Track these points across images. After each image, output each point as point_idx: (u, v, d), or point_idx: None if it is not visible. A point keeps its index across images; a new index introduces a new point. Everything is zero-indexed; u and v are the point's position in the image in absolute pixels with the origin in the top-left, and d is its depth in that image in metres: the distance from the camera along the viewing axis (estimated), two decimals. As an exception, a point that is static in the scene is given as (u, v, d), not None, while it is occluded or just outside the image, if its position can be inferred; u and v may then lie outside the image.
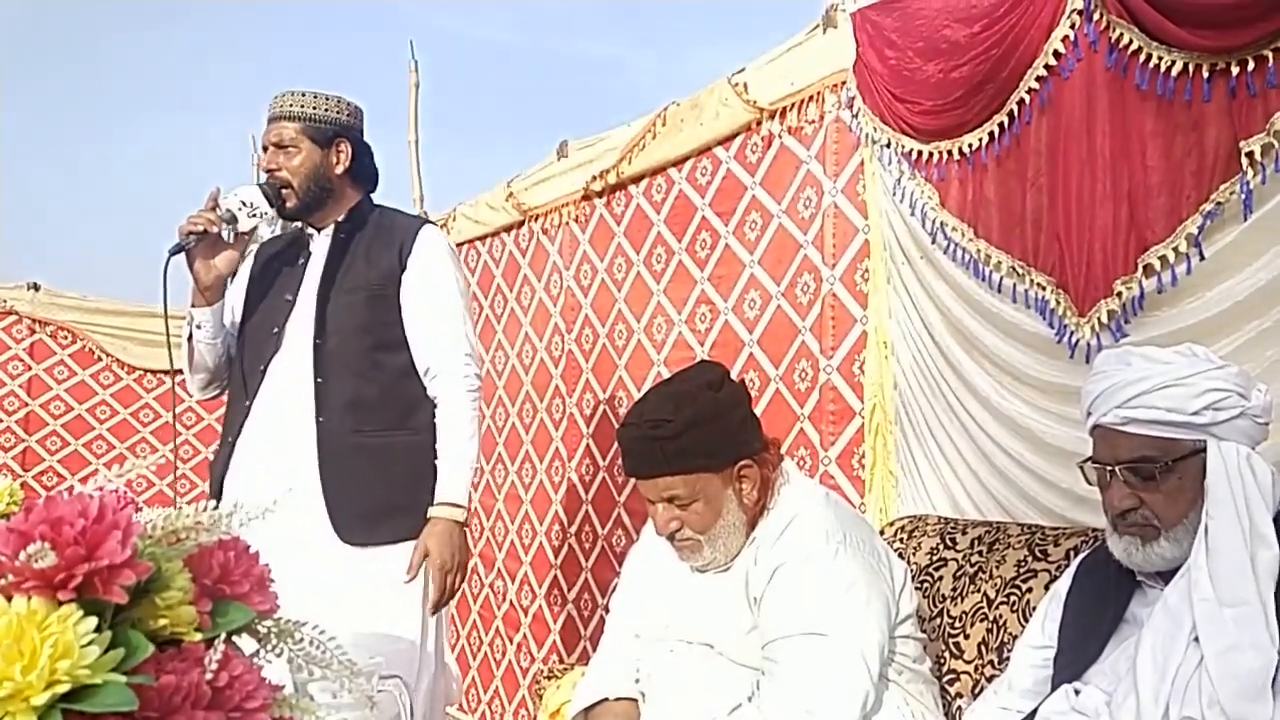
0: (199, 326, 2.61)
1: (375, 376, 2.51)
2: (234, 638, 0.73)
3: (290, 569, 1.18)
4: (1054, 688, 1.63)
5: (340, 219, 2.60)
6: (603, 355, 3.81)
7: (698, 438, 1.95)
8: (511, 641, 4.27)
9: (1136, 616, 1.61)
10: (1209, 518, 1.51)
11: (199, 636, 0.69)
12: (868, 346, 2.81)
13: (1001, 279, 2.43)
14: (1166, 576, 1.58)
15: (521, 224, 4.25)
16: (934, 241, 2.60)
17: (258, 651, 0.78)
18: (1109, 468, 1.59)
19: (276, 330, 2.54)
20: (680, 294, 3.46)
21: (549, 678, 2.27)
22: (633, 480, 3.20)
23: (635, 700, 2.06)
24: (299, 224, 2.70)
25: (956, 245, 2.54)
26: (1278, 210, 1.94)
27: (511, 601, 4.29)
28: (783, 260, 3.09)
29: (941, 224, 2.58)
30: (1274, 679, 1.41)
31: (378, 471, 2.45)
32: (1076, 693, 1.60)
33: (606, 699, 2.05)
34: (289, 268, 2.63)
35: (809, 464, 2.93)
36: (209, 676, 0.65)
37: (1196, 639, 1.48)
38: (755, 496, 2.00)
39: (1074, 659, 1.64)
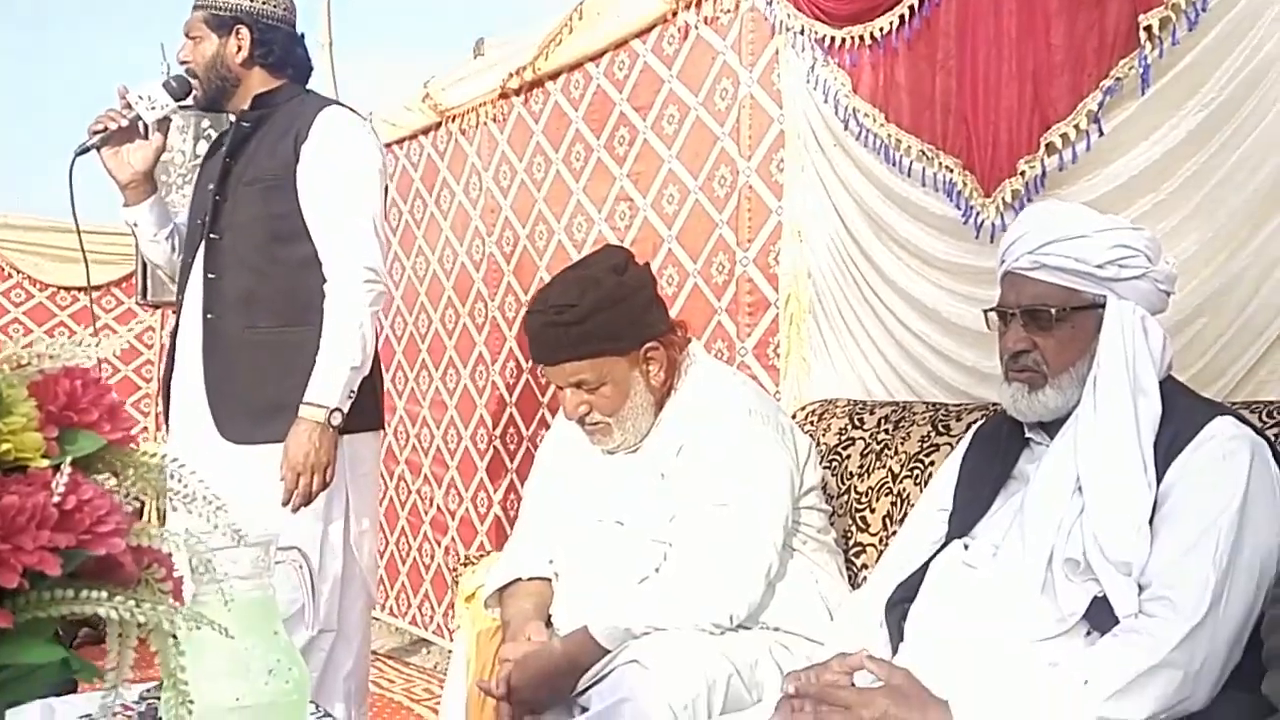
0: (136, 225, 2.55)
1: (271, 271, 2.41)
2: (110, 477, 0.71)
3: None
4: (945, 544, 1.68)
5: (245, 108, 2.52)
6: (524, 257, 3.78)
7: (603, 321, 1.95)
8: (439, 545, 4.30)
9: (1025, 473, 1.66)
10: (1098, 369, 1.55)
11: (45, 463, 0.67)
12: (783, 237, 2.82)
13: (911, 163, 2.44)
14: (1053, 433, 1.62)
15: (439, 126, 4.17)
16: (846, 128, 2.60)
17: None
18: (1010, 311, 1.63)
19: (200, 223, 2.49)
20: (600, 192, 3.44)
21: (465, 564, 2.30)
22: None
23: (549, 580, 2.09)
24: (225, 114, 2.64)
25: (868, 131, 2.54)
26: (1174, 84, 1.97)
27: (439, 506, 4.31)
28: (700, 154, 3.07)
29: (854, 110, 2.58)
30: (1150, 520, 1.47)
31: (266, 369, 2.38)
32: (966, 547, 1.65)
33: (520, 579, 2.08)
34: (211, 160, 2.57)
35: (726, 356, 2.96)
36: (56, 499, 0.64)
37: (1080, 488, 1.53)
38: (662, 378, 2.01)
39: (965, 516, 1.68)
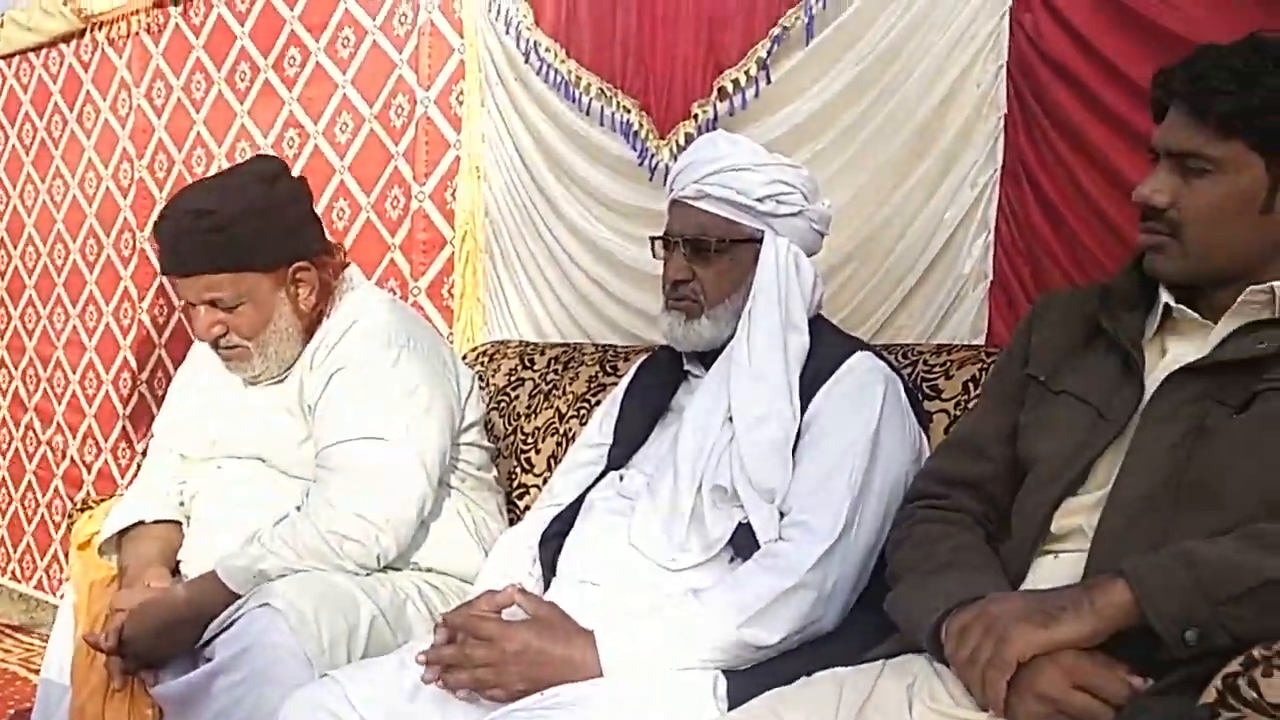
0: None
1: None
2: None
3: None
4: (602, 476, 1.65)
5: None
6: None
7: (245, 233, 1.76)
8: (73, 501, 3.85)
9: (682, 405, 1.66)
10: (753, 303, 1.57)
11: None
12: (460, 172, 2.71)
13: (590, 101, 2.40)
14: (710, 365, 1.62)
15: (83, 34, 3.70)
16: (527, 61, 2.52)
17: None
18: (675, 240, 1.61)
19: None
20: (266, 117, 3.17)
21: (82, 508, 2.03)
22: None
23: (178, 524, 1.88)
24: None
25: (549, 66, 2.48)
26: (835, 37, 2.04)
27: (73, 458, 3.86)
28: (377, 80, 2.89)
29: (535, 44, 2.50)
30: (793, 448, 1.49)
31: None
32: (621, 479, 1.62)
33: (143, 522, 1.85)
34: None
35: (398, 295, 2.80)
36: None
37: (730, 418, 1.53)
38: (313, 302, 1.85)
39: (623, 448, 1.66)
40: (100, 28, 3.62)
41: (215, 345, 1.82)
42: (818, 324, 1.63)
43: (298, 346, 1.85)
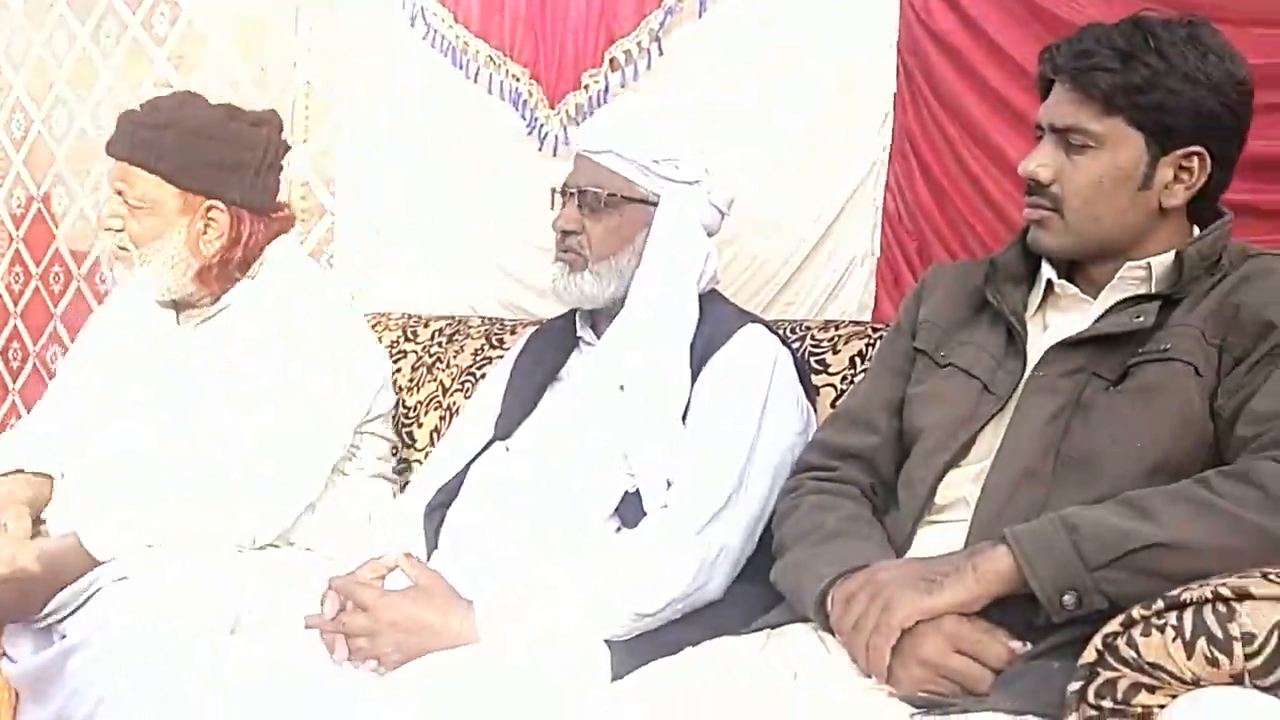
0: None
1: None
2: None
3: None
4: (489, 446, 1.61)
5: None
6: (38, 145, 3.24)
7: (179, 143, 1.72)
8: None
9: (572, 372, 1.63)
10: (643, 266, 1.55)
11: None
12: (341, 139, 2.61)
13: (479, 69, 2.34)
14: (602, 332, 1.60)
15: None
16: (413, 25, 2.45)
17: None
18: (570, 190, 1.59)
19: None
20: (133, 75, 3.01)
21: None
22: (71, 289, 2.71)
23: (51, 478, 1.77)
24: None
25: (436, 31, 2.41)
26: (728, 9, 2.02)
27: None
28: (254, 42, 2.78)
29: (422, 8, 2.43)
30: (682, 417, 1.48)
31: None
32: (507, 449, 1.58)
33: (22, 471, 1.76)
34: None
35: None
36: None
37: (622, 386, 1.51)
38: (215, 249, 1.76)
39: (510, 418, 1.63)
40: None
41: (108, 233, 1.78)
42: (712, 297, 1.62)
43: (187, 284, 1.77)
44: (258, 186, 1.80)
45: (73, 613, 1.54)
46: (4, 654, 1.61)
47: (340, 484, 1.82)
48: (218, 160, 1.74)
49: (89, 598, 1.53)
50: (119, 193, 1.74)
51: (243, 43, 2.80)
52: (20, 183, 3.28)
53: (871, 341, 1.74)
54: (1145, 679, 0.88)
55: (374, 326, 2.36)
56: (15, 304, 3.32)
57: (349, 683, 1.31)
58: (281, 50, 2.72)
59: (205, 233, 1.76)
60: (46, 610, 1.55)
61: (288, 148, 1.87)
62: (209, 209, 1.75)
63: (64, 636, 1.52)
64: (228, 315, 1.79)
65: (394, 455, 2.00)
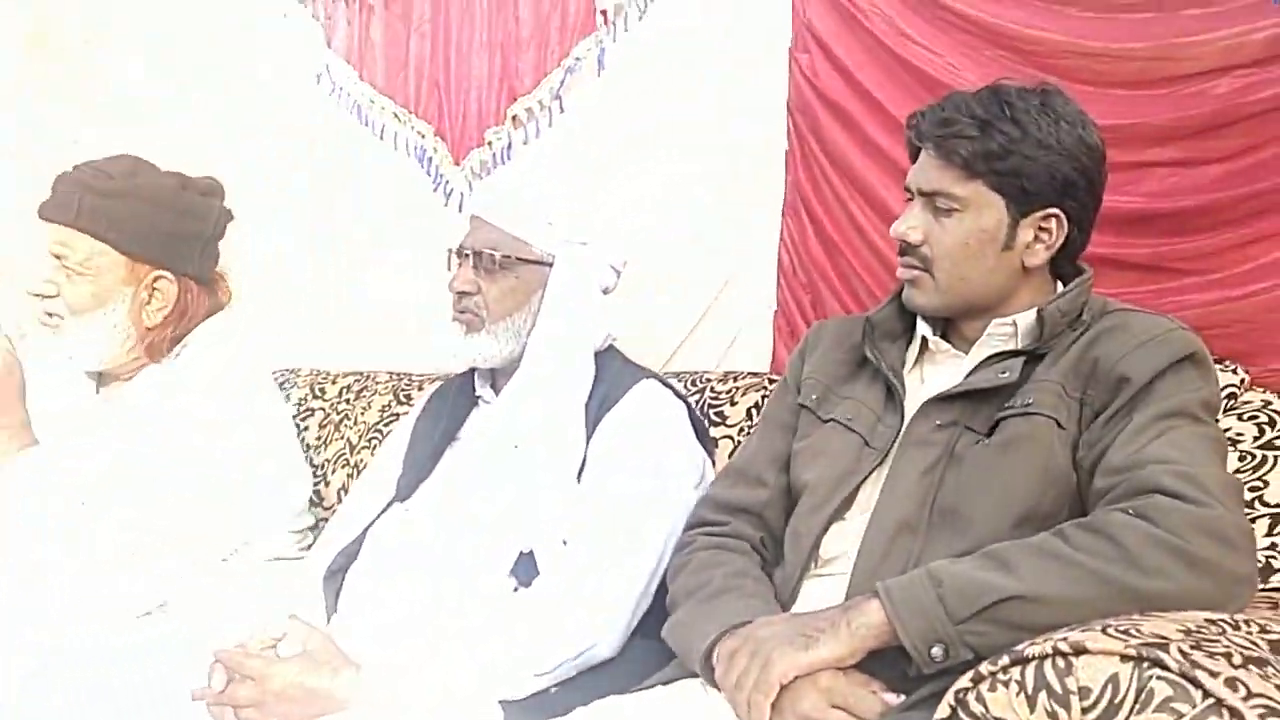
0: None
1: None
2: None
3: None
4: (388, 507, 1.61)
5: None
6: None
7: (128, 212, 1.70)
8: None
9: (470, 431, 1.64)
10: (539, 328, 1.57)
11: None
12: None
13: (384, 125, 2.36)
14: (500, 389, 1.62)
15: None
16: (319, 82, 2.46)
17: None
18: (465, 252, 1.60)
19: None
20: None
21: None
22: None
23: None
24: None
25: (341, 88, 2.42)
26: (626, 69, 2.07)
27: None
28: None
29: (327, 65, 2.44)
30: (578, 474, 1.50)
31: None
32: (406, 510, 1.59)
33: None
34: None
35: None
36: None
37: (517, 446, 1.52)
38: (158, 320, 1.75)
39: (409, 478, 1.63)
40: None
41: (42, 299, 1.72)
42: (608, 354, 1.64)
43: (119, 349, 1.74)
44: (206, 256, 1.80)
45: None
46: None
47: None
48: (170, 231, 1.73)
49: None
50: (57, 256, 1.70)
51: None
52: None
53: (768, 393, 1.78)
54: (994, 734, 0.91)
55: (281, 383, 2.36)
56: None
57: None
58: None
59: (149, 302, 1.74)
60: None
61: (231, 217, 1.85)
62: (156, 279, 1.74)
63: None
64: (139, 391, 1.75)
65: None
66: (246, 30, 2.61)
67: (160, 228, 1.72)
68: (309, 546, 1.99)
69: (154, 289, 1.74)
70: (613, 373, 1.61)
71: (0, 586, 1.56)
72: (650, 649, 1.40)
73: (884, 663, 1.14)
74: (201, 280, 1.80)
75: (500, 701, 1.34)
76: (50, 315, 1.72)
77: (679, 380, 1.82)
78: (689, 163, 2.03)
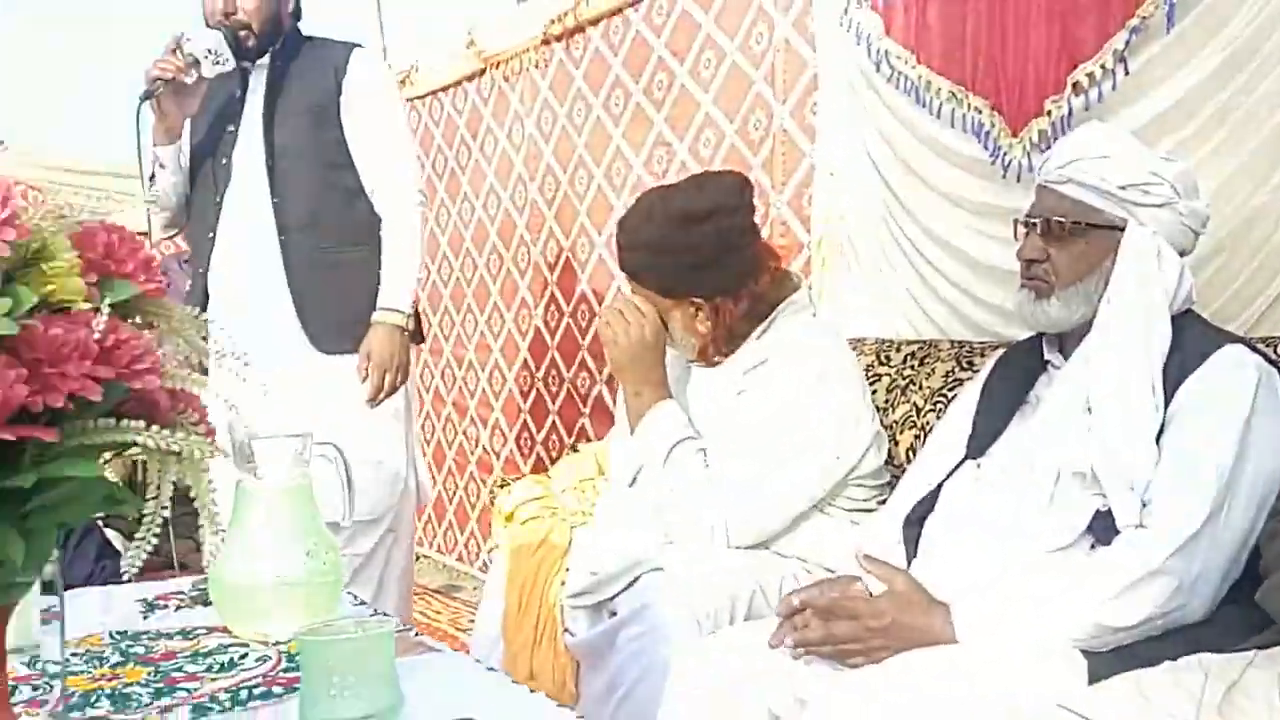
0: (163, 166, 2.67)
1: (327, 195, 2.64)
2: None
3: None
4: (960, 465, 1.73)
5: (276, 48, 2.64)
6: (564, 203, 3.84)
7: (643, 260, 2.06)
8: (485, 485, 4.41)
9: (1040, 396, 1.70)
10: (1111, 290, 1.59)
11: (86, 306, 0.75)
12: (815, 180, 2.85)
13: (941, 104, 2.46)
14: (1070, 355, 1.66)
15: (483, 73, 4.23)
16: (878, 70, 2.62)
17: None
18: (1032, 220, 1.67)
19: (225, 161, 2.60)
20: (638, 137, 3.48)
21: (501, 485, 2.40)
22: (593, 326, 3.22)
23: None
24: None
25: (899, 73, 2.56)
26: (1197, 24, 1.98)
27: (485, 447, 4.42)
28: (736, 98, 3.11)
29: (885, 52, 2.60)
30: (1157, 440, 1.50)
31: (346, 285, 2.63)
32: (979, 466, 1.69)
33: None
34: (224, 100, 2.67)
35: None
36: (97, 336, 0.72)
37: (1090, 408, 1.56)
38: (707, 329, 2.07)
39: (981, 439, 1.73)
40: (497, 66, 4.12)
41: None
42: (1186, 318, 1.62)
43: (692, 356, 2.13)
44: (726, 270, 2.04)
45: (618, 594, 1.89)
46: (566, 629, 2.01)
47: (827, 508, 2.04)
48: (675, 266, 2.03)
49: (637, 577, 1.86)
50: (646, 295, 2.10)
51: (725, 101, 3.14)
52: (553, 236, 3.91)
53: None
54: None
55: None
56: (552, 338, 3.96)
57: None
58: (759, 105, 3.02)
59: (695, 315, 2.07)
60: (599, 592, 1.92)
61: (752, 209, 2.09)
62: (693, 305, 2.06)
63: (614, 614, 1.87)
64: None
65: (880, 503, 2.12)
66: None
67: (669, 268, 2.06)
68: (883, 501, 2.19)
69: (695, 304, 2.08)
70: (1192, 337, 1.59)
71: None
72: (1243, 615, 1.39)
73: None
74: (728, 290, 2.06)
75: (1082, 651, 1.41)
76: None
77: (1266, 345, 1.73)
78: (1269, 114, 1.88)
